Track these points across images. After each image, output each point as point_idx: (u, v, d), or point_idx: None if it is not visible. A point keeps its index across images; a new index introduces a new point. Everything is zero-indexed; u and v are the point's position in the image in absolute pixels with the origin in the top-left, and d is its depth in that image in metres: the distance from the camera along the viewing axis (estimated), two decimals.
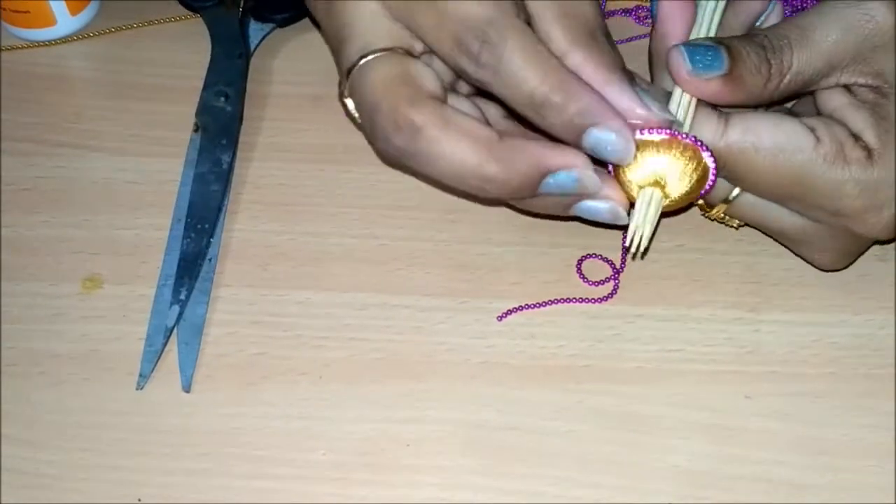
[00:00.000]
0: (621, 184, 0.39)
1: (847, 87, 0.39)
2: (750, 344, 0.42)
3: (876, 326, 0.42)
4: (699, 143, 0.38)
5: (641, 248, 0.39)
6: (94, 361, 0.41)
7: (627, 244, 0.39)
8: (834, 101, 0.39)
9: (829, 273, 0.43)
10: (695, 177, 0.38)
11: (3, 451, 0.39)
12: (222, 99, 0.48)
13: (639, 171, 0.38)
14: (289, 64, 0.51)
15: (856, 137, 0.38)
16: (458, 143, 0.37)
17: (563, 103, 0.36)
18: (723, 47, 0.38)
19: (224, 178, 0.45)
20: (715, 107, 0.39)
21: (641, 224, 0.38)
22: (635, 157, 0.38)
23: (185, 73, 0.50)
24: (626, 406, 0.40)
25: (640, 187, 0.39)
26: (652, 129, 0.38)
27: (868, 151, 0.38)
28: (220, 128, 0.47)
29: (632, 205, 0.39)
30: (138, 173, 0.47)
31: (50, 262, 0.44)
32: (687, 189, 0.38)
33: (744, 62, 0.38)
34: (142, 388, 0.40)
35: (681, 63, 0.38)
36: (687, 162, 0.38)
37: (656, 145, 0.38)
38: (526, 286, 0.43)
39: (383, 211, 0.46)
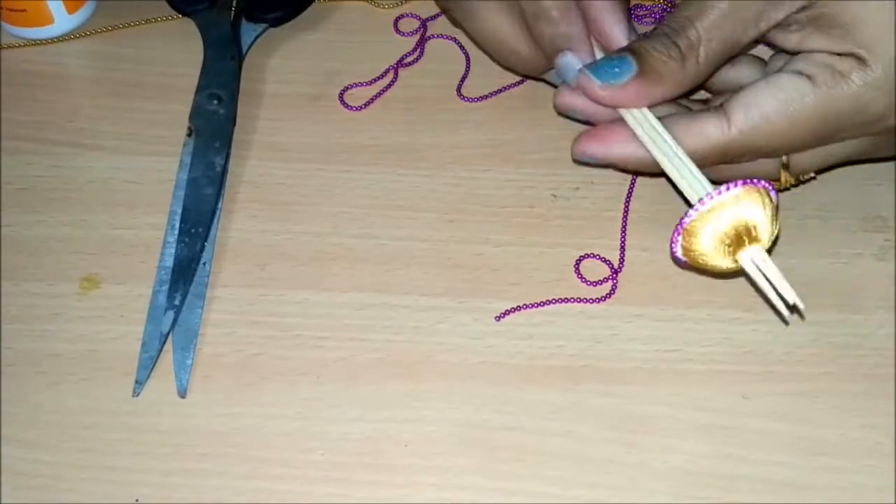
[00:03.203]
0: (695, 253, 0.39)
1: (784, 25, 0.39)
2: (748, 344, 0.42)
3: (875, 326, 0.42)
4: (759, 183, 0.38)
5: (797, 305, 0.38)
6: (92, 361, 0.41)
7: (785, 314, 0.39)
8: (787, 41, 0.39)
9: (828, 272, 0.43)
10: (774, 211, 0.38)
11: (2, 451, 0.39)
12: (215, 102, 0.48)
13: (715, 237, 0.38)
14: (284, 63, 0.51)
15: (837, 54, 0.38)
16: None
17: (558, 20, 0.41)
18: (626, 51, 0.39)
19: (217, 181, 0.45)
20: (690, 108, 0.39)
21: (777, 286, 0.38)
22: (703, 222, 0.38)
23: (184, 72, 0.50)
24: (624, 406, 0.40)
25: (727, 245, 0.38)
26: (723, 188, 0.37)
27: (855, 57, 0.38)
28: (213, 131, 0.47)
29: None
30: (136, 172, 0.47)
31: (48, 261, 0.44)
32: (776, 225, 0.39)
33: (650, 54, 0.38)
34: (138, 395, 0.40)
35: (589, 82, 0.39)
36: (768, 202, 0.38)
37: (724, 204, 0.37)
38: (524, 286, 0.43)
39: (382, 211, 0.45)
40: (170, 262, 0.43)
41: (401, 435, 0.40)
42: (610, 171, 0.46)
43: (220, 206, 0.45)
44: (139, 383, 0.40)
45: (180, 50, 0.51)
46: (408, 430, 0.40)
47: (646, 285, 0.43)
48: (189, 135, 0.47)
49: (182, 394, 0.40)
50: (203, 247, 0.44)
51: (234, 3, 0.51)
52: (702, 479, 0.39)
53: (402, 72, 0.51)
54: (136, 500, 0.38)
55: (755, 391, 0.40)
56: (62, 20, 0.52)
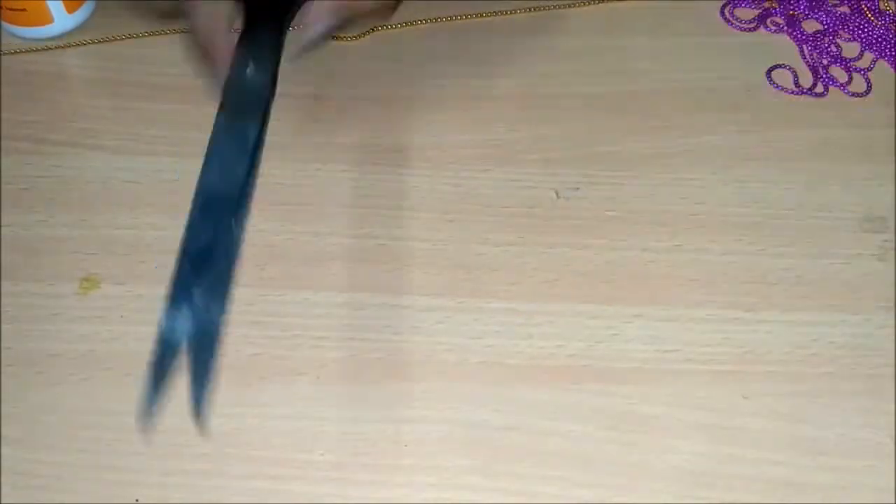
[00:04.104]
0: None
1: None
2: (748, 344, 0.42)
3: (875, 326, 0.42)
4: None
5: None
6: (91, 362, 0.41)
7: None
8: None
9: (828, 272, 0.43)
10: None
11: (2, 451, 0.39)
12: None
13: None
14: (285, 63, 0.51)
15: None
16: None
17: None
18: None
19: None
20: None
21: None
22: None
23: (184, 72, 0.50)
24: (624, 406, 0.40)
25: None
26: None
27: None
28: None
29: None
30: (136, 172, 0.47)
31: (47, 261, 0.44)
32: None
33: None
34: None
35: None
36: None
37: None
38: (524, 286, 0.43)
39: (382, 211, 0.45)
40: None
41: (400, 435, 0.40)
42: (610, 171, 0.46)
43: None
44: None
45: (180, 49, 0.51)
46: (407, 430, 0.40)
47: (646, 285, 0.43)
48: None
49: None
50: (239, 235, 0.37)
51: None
52: (702, 479, 0.39)
53: (402, 71, 0.50)
54: (136, 500, 0.38)
55: (755, 391, 0.40)
56: (62, 20, 0.52)
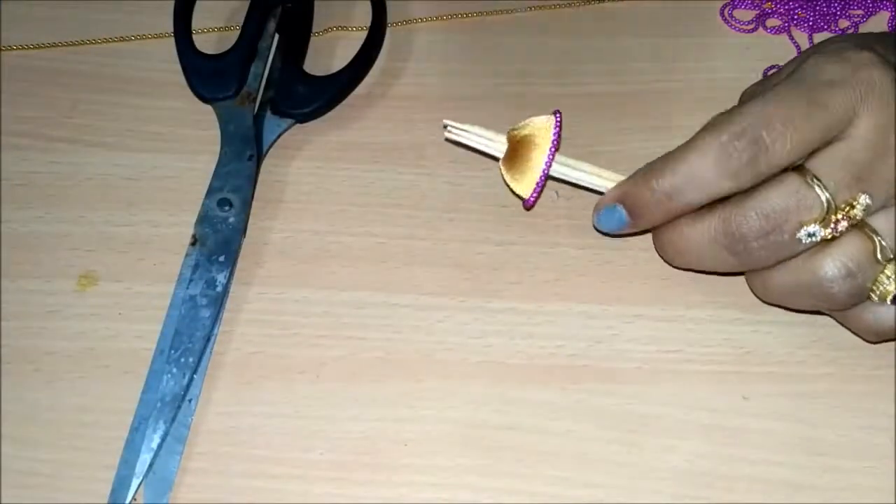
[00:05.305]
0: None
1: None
2: (748, 344, 0.42)
3: None
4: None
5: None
6: (90, 359, 0.41)
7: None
8: None
9: None
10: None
11: (1, 449, 0.39)
12: (226, 208, 0.44)
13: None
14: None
15: None
16: None
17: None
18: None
19: (217, 302, 0.41)
20: None
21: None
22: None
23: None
24: (624, 406, 0.40)
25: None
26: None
27: None
28: (220, 242, 0.43)
29: None
30: (134, 169, 0.47)
31: (45, 258, 0.44)
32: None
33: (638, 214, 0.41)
34: None
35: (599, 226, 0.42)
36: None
37: None
38: (525, 285, 0.43)
39: (382, 209, 0.45)
40: (153, 395, 0.40)
41: (400, 434, 0.40)
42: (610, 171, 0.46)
43: (216, 331, 0.41)
44: None
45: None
46: (407, 430, 0.40)
47: (646, 285, 0.43)
48: (192, 244, 0.43)
49: None
50: (192, 380, 0.40)
51: (260, 94, 0.48)
52: (702, 479, 0.39)
53: (402, 70, 0.50)
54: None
55: (755, 391, 0.40)
56: None
